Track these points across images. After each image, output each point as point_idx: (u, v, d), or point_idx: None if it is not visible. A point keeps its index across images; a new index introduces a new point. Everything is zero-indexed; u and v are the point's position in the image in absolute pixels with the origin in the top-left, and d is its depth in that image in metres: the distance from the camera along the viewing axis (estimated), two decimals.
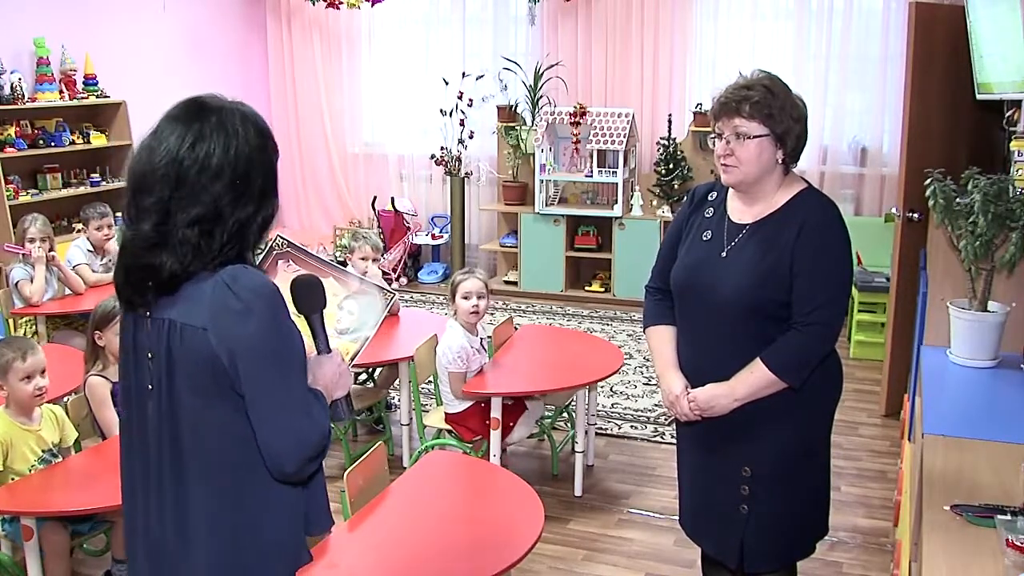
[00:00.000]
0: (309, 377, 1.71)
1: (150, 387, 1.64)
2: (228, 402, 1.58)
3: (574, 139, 6.90)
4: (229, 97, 1.68)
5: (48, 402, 3.18)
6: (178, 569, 1.67)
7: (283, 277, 1.85)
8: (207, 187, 1.57)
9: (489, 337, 4.09)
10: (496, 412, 3.65)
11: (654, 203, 6.95)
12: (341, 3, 7.57)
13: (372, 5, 7.62)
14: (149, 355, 1.63)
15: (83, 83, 6.48)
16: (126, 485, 1.74)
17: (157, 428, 1.64)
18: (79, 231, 5.90)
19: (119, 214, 5.40)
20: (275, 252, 1.92)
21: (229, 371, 1.56)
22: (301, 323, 1.77)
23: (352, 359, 1.92)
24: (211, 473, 1.62)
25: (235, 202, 1.59)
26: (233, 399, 1.58)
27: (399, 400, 4.41)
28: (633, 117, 6.78)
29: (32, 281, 4.74)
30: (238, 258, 1.62)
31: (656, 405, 4.94)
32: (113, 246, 5.06)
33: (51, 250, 4.86)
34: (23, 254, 4.78)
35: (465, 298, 3.79)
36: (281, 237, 1.95)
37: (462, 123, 7.37)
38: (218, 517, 1.64)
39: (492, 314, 3.94)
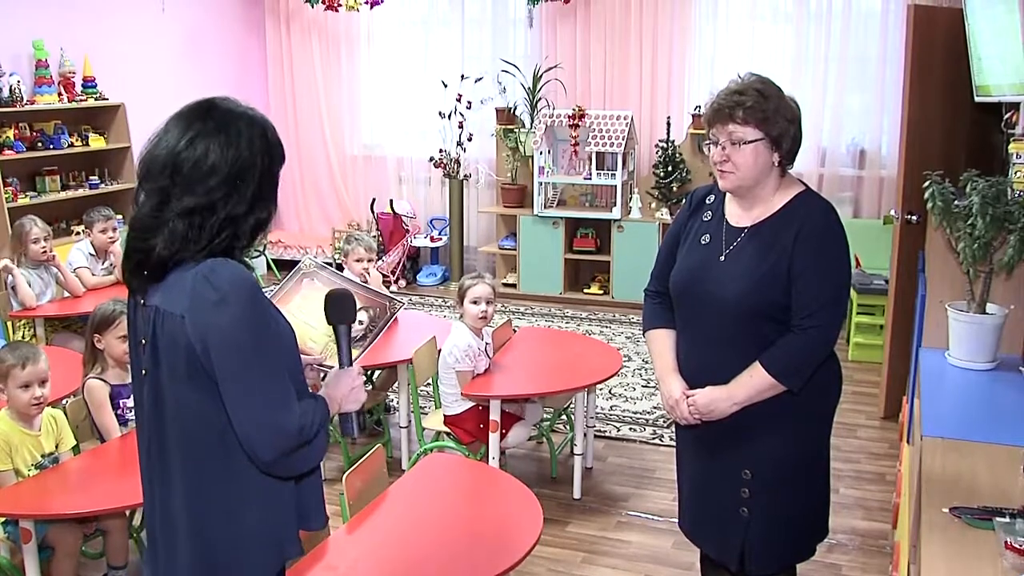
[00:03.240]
0: (323, 388, 1.79)
1: (144, 372, 1.70)
2: (205, 390, 1.62)
3: (573, 141, 6.90)
4: (243, 102, 1.73)
5: (47, 405, 3.18)
6: (167, 551, 1.73)
7: (304, 292, 1.97)
8: (201, 182, 1.63)
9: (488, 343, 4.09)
10: (495, 414, 3.65)
11: (653, 205, 6.95)
12: (340, 5, 7.58)
13: (371, 7, 7.63)
14: (143, 341, 1.69)
15: (82, 85, 6.49)
16: (140, 467, 1.80)
17: (149, 413, 1.71)
18: (78, 234, 5.90)
19: (121, 217, 5.42)
20: (302, 272, 2.03)
21: (203, 359, 1.59)
22: (327, 333, 1.88)
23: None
24: (192, 459, 1.67)
25: (227, 199, 1.64)
26: (209, 387, 1.61)
27: (398, 403, 4.41)
28: (632, 119, 6.79)
29: (30, 285, 4.74)
30: (225, 252, 1.66)
31: (655, 407, 4.94)
32: (117, 249, 5.06)
33: (50, 250, 4.86)
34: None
35: (474, 303, 3.81)
36: (312, 260, 2.06)
37: (461, 125, 7.37)
38: (198, 502, 1.68)
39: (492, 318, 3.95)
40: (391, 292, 7.11)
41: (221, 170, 1.63)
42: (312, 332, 1.92)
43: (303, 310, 1.99)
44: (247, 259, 1.73)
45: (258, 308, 1.63)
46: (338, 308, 1.88)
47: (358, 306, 1.98)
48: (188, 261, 1.63)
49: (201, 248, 1.63)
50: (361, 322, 1.99)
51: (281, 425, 1.61)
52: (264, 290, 1.95)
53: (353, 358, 1.90)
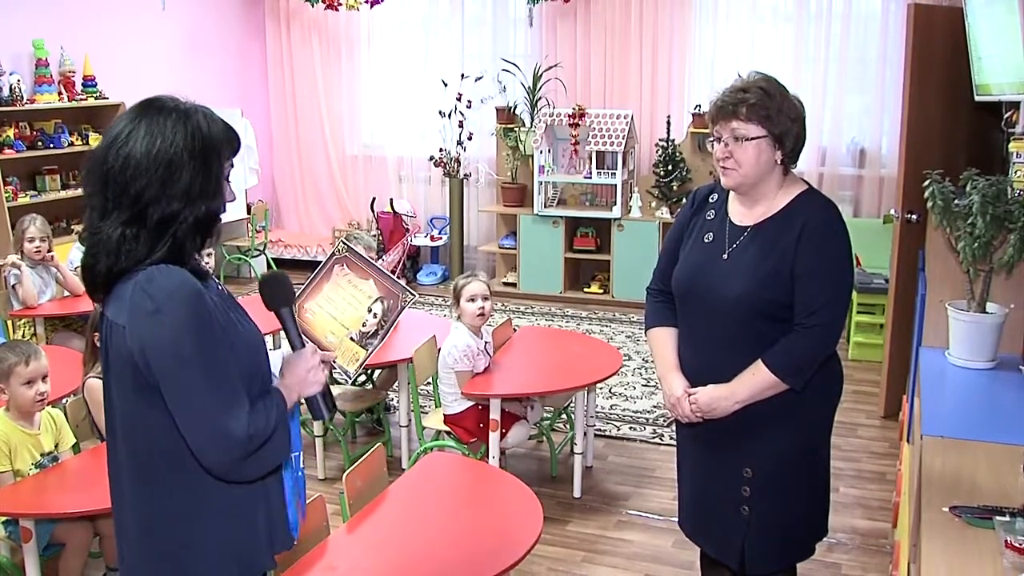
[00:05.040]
0: (278, 378, 1.75)
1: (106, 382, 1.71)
2: (151, 400, 1.60)
3: (573, 140, 6.91)
4: (183, 99, 1.69)
5: (47, 404, 3.19)
6: (124, 561, 1.73)
7: (334, 281, 1.93)
8: (127, 187, 1.60)
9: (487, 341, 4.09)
10: (495, 414, 3.65)
11: (653, 205, 6.95)
12: (340, 5, 7.58)
13: (371, 7, 7.63)
14: (106, 350, 1.69)
15: (82, 85, 6.49)
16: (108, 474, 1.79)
17: (109, 421, 1.72)
18: (78, 233, 5.90)
19: None
20: (335, 257, 2.00)
21: (144, 370, 1.58)
22: (352, 323, 1.86)
23: (360, 364, 1.97)
24: (143, 470, 1.66)
25: (156, 201, 1.61)
26: (155, 397, 1.59)
27: (398, 402, 4.41)
28: (632, 119, 6.79)
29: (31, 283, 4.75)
30: (175, 256, 1.63)
31: (655, 407, 4.94)
32: None
33: (49, 250, 4.86)
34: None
35: (471, 301, 3.81)
36: (344, 243, 2.03)
37: (461, 125, 7.38)
38: (148, 514, 1.67)
39: (491, 315, 3.95)
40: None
41: (144, 172, 1.60)
42: (334, 325, 1.87)
43: (331, 300, 1.96)
44: (211, 260, 1.71)
45: (198, 314, 1.58)
46: (275, 291, 1.79)
47: (374, 297, 1.95)
48: (133, 271, 1.61)
49: (142, 258, 1.61)
50: (375, 314, 1.96)
51: (229, 432, 1.57)
52: (295, 281, 1.93)
53: (369, 352, 1.85)
